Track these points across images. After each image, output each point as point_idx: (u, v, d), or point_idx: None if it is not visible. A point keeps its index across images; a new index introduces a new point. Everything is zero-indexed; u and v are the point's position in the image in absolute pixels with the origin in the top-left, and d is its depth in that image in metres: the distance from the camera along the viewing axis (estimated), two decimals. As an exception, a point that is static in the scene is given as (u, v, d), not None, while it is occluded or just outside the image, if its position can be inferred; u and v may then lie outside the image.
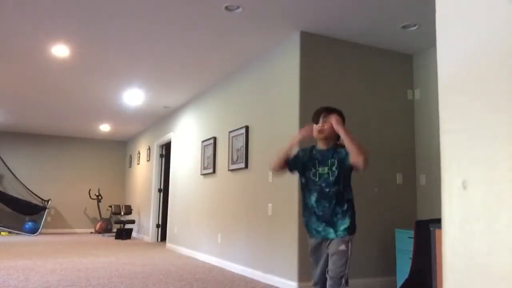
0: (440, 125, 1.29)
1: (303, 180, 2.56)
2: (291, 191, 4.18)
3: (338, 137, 2.48)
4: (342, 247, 2.39)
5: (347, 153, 2.37)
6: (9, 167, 10.56)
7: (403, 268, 4.01)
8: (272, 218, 4.48)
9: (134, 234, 10.23)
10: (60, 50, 5.04)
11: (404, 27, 4.18)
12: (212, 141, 6.14)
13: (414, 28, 4.19)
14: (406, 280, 3.61)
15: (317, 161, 2.51)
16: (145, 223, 9.55)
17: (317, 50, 4.38)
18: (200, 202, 6.48)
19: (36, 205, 10.40)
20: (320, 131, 2.50)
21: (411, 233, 3.88)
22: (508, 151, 1.08)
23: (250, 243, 4.90)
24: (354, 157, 2.30)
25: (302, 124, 4.20)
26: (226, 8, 3.88)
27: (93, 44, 4.84)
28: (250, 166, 5.07)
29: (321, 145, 2.55)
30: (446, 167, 1.24)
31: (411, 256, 3.68)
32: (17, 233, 9.93)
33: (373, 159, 4.49)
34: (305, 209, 2.54)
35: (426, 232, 3.29)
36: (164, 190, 8.99)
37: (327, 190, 2.44)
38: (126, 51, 5.05)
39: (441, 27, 1.31)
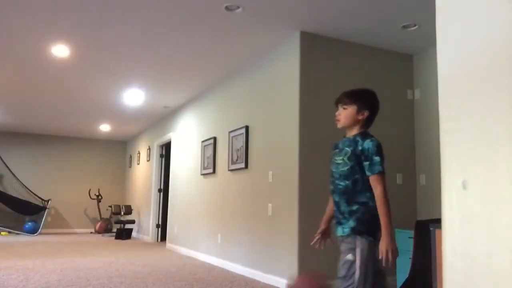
0: (440, 125, 1.28)
1: None
2: (291, 191, 4.18)
3: (365, 125, 2.23)
4: (349, 256, 2.06)
5: (363, 149, 2.11)
6: (9, 167, 10.56)
7: (403, 268, 4.01)
8: (272, 218, 4.48)
9: (134, 234, 10.23)
10: (60, 50, 5.04)
11: (404, 27, 4.18)
12: (212, 141, 6.15)
13: (414, 28, 4.19)
14: (406, 280, 3.61)
15: (337, 150, 2.25)
16: (145, 223, 9.55)
17: (317, 50, 4.38)
18: (200, 202, 6.48)
19: (36, 205, 10.40)
20: (336, 120, 2.26)
21: (411, 233, 3.88)
22: (508, 151, 1.08)
23: (250, 243, 4.90)
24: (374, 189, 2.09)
25: (302, 124, 4.20)
26: (226, 8, 3.88)
27: (93, 44, 4.84)
28: (250, 166, 5.07)
29: (347, 133, 2.28)
30: (446, 167, 1.24)
31: (411, 256, 3.68)
32: (17, 233, 9.93)
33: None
34: None
35: (426, 232, 3.29)
36: (164, 190, 8.99)
37: (337, 182, 2.19)
38: (126, 51, 5.05)
39: (441, 27, 1.31)
